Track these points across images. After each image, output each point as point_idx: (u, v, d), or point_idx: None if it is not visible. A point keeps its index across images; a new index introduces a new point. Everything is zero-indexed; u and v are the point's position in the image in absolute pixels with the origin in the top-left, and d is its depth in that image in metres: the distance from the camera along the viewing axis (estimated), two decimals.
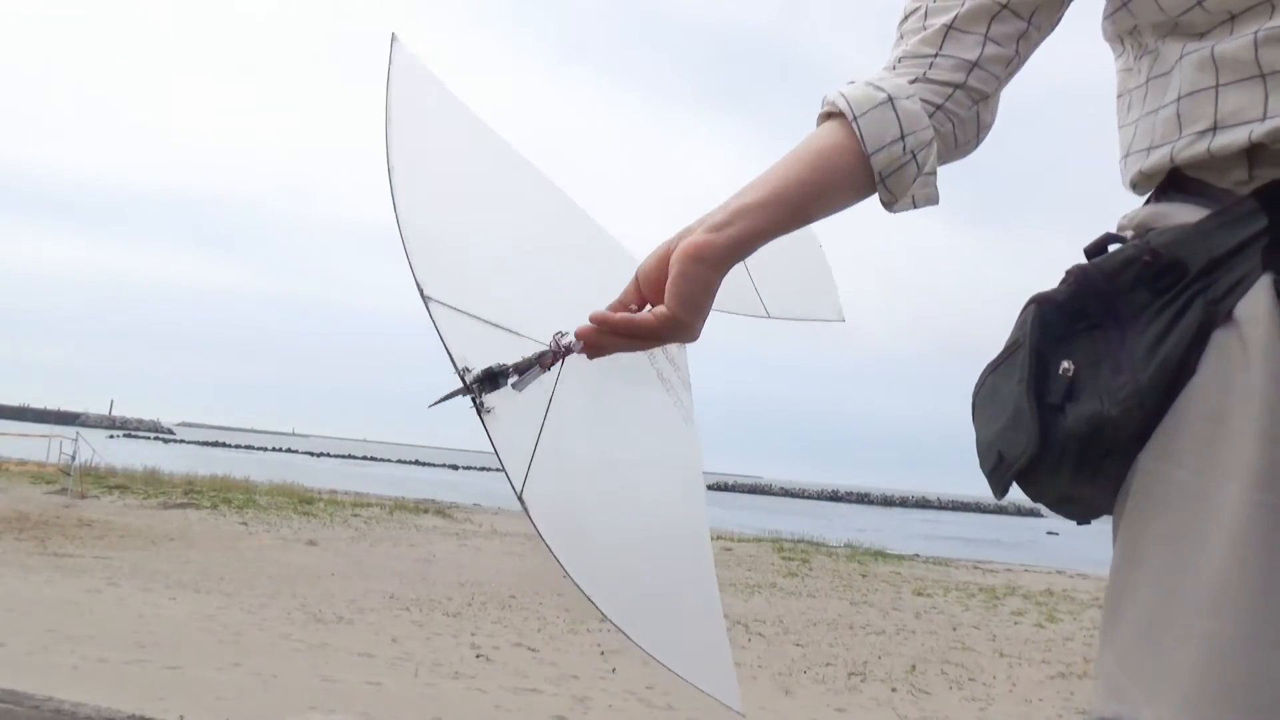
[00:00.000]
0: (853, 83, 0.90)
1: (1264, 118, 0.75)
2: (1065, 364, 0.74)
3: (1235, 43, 0.77)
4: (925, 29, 0.89)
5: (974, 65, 0.88)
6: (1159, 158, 0.82)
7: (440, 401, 0.91)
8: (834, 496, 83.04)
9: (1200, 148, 0.78)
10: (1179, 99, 0.80)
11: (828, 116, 0.88)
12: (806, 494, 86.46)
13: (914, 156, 0.87)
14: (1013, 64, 0.90)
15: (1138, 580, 0.71)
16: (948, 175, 0.98)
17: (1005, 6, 0.88)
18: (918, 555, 19.60)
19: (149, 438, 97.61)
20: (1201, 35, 0.80)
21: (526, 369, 0.89)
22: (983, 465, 0.80)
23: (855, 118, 0.85)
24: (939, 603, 11.77)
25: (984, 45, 0.89)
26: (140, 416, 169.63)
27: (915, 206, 0.92)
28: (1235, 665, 0.66)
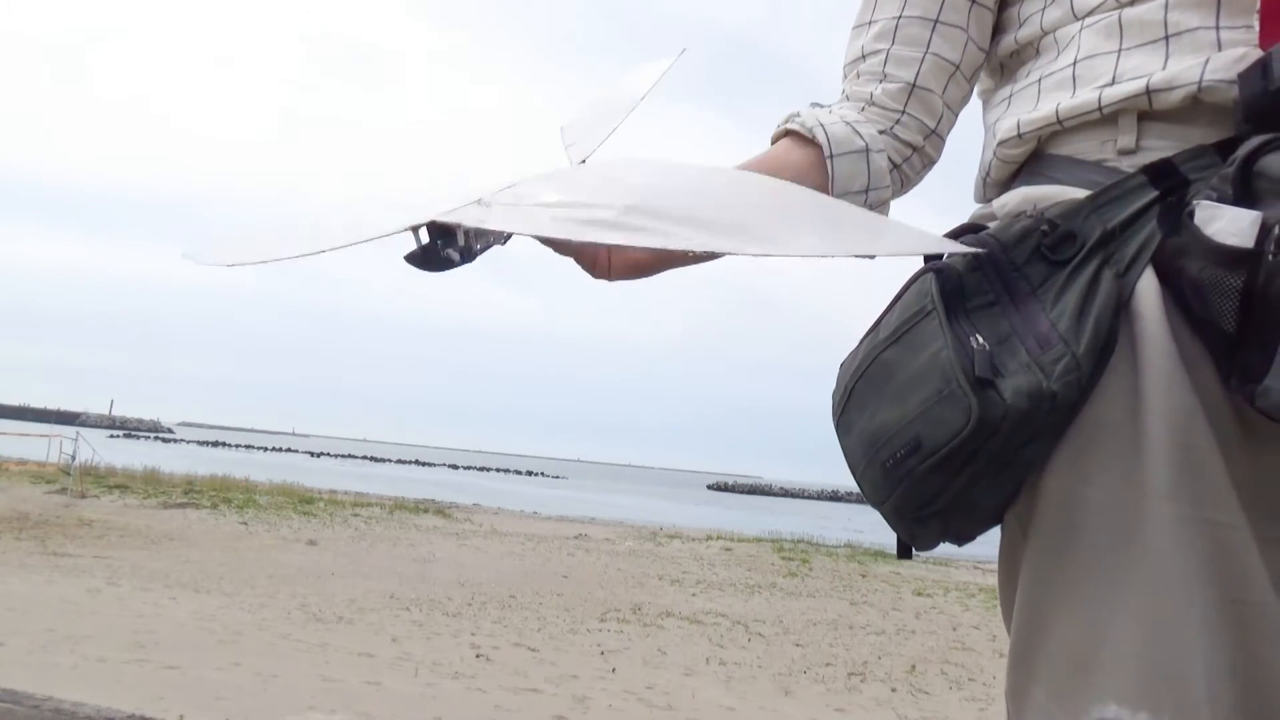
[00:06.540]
0: (821, 107, 0.89)
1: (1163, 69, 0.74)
2: (979, 339, 0.68)
3: (1142, 6, 0.76)
4: (885, 77, 0.88)
5: (932, 131, 0.90)
6: (1040, 115, 0.79)
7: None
8: (834, 496, 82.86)
9: (1091, 97, 0.76)
10: (1075, 62, 0.79)
11: (796, 136, 0.86)
12: (806, 494, 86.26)
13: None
14: (951, 127, 0.92)
15: (1060, 610, 0.67)
16: (935, 170, 0.98)
17: (958, 69, 0.89)
18: (917, 555, 19.52)
19: (149, 438, 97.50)
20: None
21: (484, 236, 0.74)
22: (878, 456, 0.72)
23: (832, 156, 0.84)
24: (939, 603, 11.76)
25: (943, 112, 0.90)
26: (140, 416, 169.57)
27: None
28: (1178, 689, 0.63)
